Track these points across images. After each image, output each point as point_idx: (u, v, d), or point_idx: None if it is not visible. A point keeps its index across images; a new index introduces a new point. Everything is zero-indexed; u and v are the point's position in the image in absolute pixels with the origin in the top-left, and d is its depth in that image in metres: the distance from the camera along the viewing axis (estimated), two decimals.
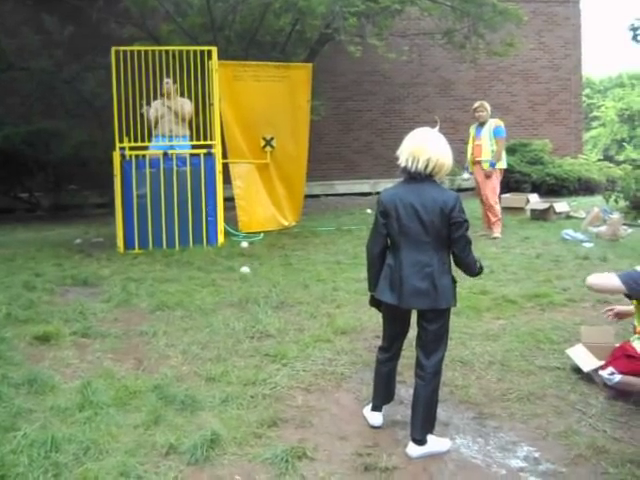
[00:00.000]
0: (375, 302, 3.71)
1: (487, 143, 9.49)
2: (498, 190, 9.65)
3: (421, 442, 3.46)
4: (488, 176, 9.45)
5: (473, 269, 3.63)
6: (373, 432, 3.71)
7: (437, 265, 3.44)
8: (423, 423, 3.49)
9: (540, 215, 10.89)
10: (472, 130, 9.78)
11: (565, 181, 14.60)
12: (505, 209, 11.52)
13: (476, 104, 9.75)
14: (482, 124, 9.56)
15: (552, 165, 14.91)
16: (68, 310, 5.93)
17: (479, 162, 9.53)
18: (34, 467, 3.26)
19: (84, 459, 3.38)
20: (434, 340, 3.53)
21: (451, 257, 3.57)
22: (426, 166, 3.43)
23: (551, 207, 10.93)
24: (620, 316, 4.51)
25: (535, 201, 11.54)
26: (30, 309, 5.98)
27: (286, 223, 10.75)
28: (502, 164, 9.58)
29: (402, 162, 3.50)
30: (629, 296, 4.10)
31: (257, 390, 4.26)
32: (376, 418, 3.82)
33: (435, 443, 3.51)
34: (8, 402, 4.03)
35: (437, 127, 3.63)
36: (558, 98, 17.27)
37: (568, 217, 11.05)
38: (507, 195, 12.16)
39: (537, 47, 16.80)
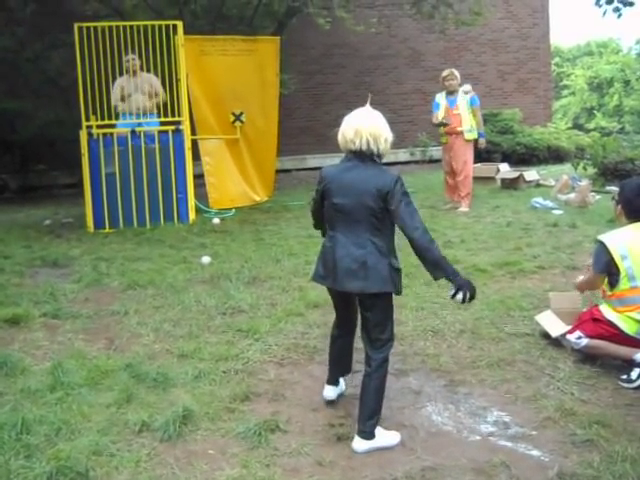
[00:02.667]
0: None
1: (465, 112, 9.29)
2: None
3: (368, 435, 3.29)
4: (461, 142, 9.29)
5: (436, 262, 3.31)
6: (345, 403, 3.73)
7: (371, 247, 3.29)
8: (370, 413, 3.32)
9: (510, 184, 10.97)
10: (441, 99, 9.44)
11: (535, 150, 14.69)
12: (476, 179, 11.51)
13: (445, 72, 9.44)
14: (452, 92, 9.34)
15: (522, 134, 14.99)
16: (38, 292, 5.87)
17: (460, 132, 9.29)
18: (5, 449, 3.25)
19: (56, 440, 3.37)
20: (375, 328, 3.38)
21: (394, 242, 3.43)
22: (367, 144, 3.31)
23: (521, 176, 11.01)
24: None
25: (505, 170, 11.62)
26: None
27: (258, 198, 10.71)
28: (474, 134, 9.43)
29: (341, 142, 3.40)
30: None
31: (229, 365, 4.27)
32: (329, 391, 3.77)
33: (383, 437, 3.34)
34: None
35: (368, 103, 3.54)
36: (527, 67, 17.31)
37: (538, 185, 11.14)
38: (477, 165, 12.17)
39: (505, 16, 16.81)
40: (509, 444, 3.31)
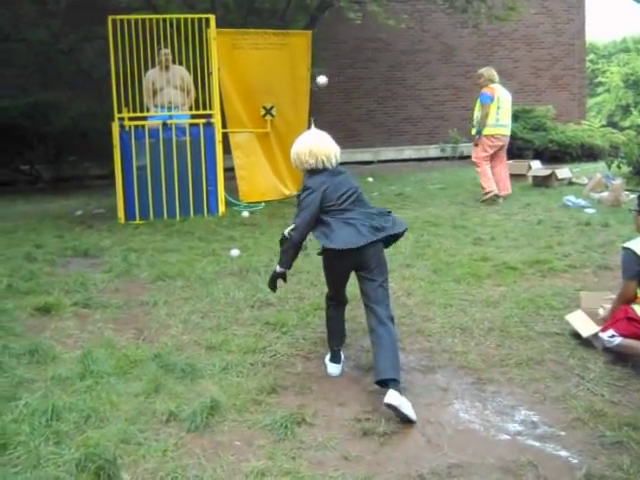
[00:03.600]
0: (283, 275, 4.18)
1: (476, 110, 9.64)
2: (484, 155, 9.58)
3: (398, 383, 3.56)
4: (475, 144, 9.60)
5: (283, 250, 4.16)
6: (372, 398, 3.72)
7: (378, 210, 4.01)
8: (398, 364, 3.66)
9: (542, 182, 10.84)
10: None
11: (568, 147, 14.50)
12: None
13: (479, 71, 9.76)
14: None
15: (555, 131, 14.81)
16: (69, 281, 5.94)
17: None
18: (35, 435, 3.30)
19: (85, 427, 3.42)
20: (384, 282, 3.86)
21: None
22: (336, 159, 4.02)
23: (553, 173, 10.86)
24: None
25: (537, 167, 11.48)
26: (31, 280, 5.99)
27: (287, 192, 10.70)
28: (487, 130, 9.45)
29: (314, 164, 3.98)
30: None
31: (257, 358, 4.29)
32: (334, 369, 4.13)
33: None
34: (10, 372, 4.06)
35: (313, 126, 4.31)
36: (561, 64, 17.09)
37: (570, 183, 10.99)
38: (509, 162, 12.05)
39: (540, 11, 16.58)
40: (537, 444, 3.28)
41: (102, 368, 4.10)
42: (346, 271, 4.00)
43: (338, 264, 3.93)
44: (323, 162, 3.96)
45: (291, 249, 4.01)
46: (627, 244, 4.10)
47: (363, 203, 3.96)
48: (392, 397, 3.43)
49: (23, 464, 3.08)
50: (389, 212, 4.02)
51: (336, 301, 4.18)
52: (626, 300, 4.19)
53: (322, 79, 6.03)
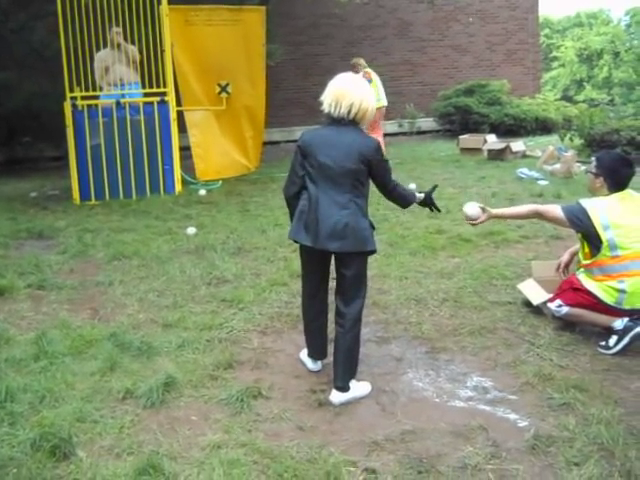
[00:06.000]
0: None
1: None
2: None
3: (343, 389, 3.44)
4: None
5: (406, 198, 3.76)
6: (328, 369, 3.76)
7: (354, 208, 3.39)
8: (344, 370, 3.46)
9: (497, 155, 10.98)
10: None
11: (523, 121, 14.68)
12: (463, 150, 11.66)
13: (353, 60, 11.07)
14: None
15: (510, 105, 14.97)
16: (23, 263, 5.87)
17: None
18: None
19: (40, 407, 3.40)
20: (352, 286, 3.48)
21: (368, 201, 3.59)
22: (349, 111, 3.40)
23: (507, 147, 11.02)
24: (568, 264, 4.62)
25: (492, 141, 11.61)
26: None
27: (244, 170, 10.69)
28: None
29: (325, 107, 3.45)
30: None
31: (213, 334, 4.31)
32: (313, 364, 3.85)
33: (357, 388, 3.50)
34: None
35: (361, 72, 3.72)
36: (515, 38, 17.23)
37: (524, 156, 11.17)
38: (465, 136, 12.22)
39: None
40: (488, 408, 3.36)
41: (57, 349, 4.07)
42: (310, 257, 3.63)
43: (302, 249, 3.65)
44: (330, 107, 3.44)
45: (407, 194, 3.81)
46: (582, 201, 4.15)
47: (338, 185, 3.41)
48: (334, 396, 3.45)
49: None
50: (359, 208, 3.44)
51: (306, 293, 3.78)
52: (545, 217, 4.31)
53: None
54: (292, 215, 3.61)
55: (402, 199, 3.75)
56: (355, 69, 10.51)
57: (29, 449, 3.02)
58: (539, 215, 4.31)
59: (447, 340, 4.18)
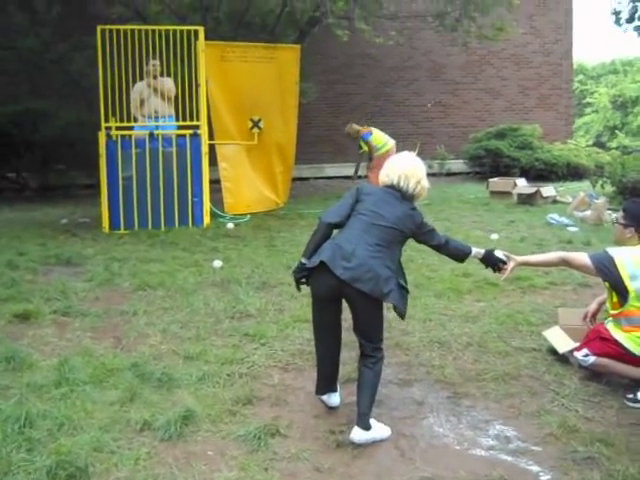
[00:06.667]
0: (299, 274, 3.62)
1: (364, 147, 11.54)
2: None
3: (366, 422, 3.39)
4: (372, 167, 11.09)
5: (460, 252, 3.93)
6: (347, 410, 3.72)
7: (382, 260, 3.47)
8: (369, 406, 3.44)
9: (527, 199, 10.92)
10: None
11: (554, 166, 14.62)
12: (493, 193, 11.63)
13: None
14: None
15: (541, 150, 14.94)
16: (50, 289, 5.93)
17: None
18: (8, 442, 3.28)
19: (58, 435, 3.40)
20: (370, 330, 3.55)
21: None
22: (415, 188, 3.70)
23: (538, 191, 10.96)
24: (596, 313, 4.55)
25: (522, 185, 11.57)
26: (12, 288, 5.97)
27: (273, 205, 10.75)
28: (379, 152, 11.11)
29: (394, 180, 3.70)
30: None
31: (234, 369, 4.28)
32: (333, 399, 3.80)
33: (377, 429, 3.45)
34: None
35: (417, 150, 3.90)
36: (549, 83, 17.27)
37: (555, 202, 11.09)
38: (495, 179, 12.20)
39: (528, 31, 16.76)
40: (509, 458, 3.29)
41: (78, 376, 4.08)
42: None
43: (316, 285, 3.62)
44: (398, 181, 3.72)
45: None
46: (610, 250, 4.08)
47: (383, 236, 3.53)
48: (355, 434, 3.39)
49: None
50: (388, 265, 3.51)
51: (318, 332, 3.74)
52: (571, 264, 4.20)
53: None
54: (315, 242, 3.61)
55: (457, 252, 3.93)
56: (354, 136, 11.55)
57: (45, 477, 3.01)
58: (566, 263, 4.24)
59: (470, 385, 4.11)
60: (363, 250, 3.46)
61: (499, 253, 4.10)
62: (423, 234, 3.76)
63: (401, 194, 3.69)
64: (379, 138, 11.32)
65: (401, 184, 3.69)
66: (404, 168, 3.74)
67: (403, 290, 3.59)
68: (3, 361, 4.30)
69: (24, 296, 5.73)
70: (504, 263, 4.09)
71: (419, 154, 3.95)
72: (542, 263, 4.66)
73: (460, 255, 3.95)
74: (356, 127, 11.63)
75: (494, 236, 7.91)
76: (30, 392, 3.88)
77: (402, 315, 3.61)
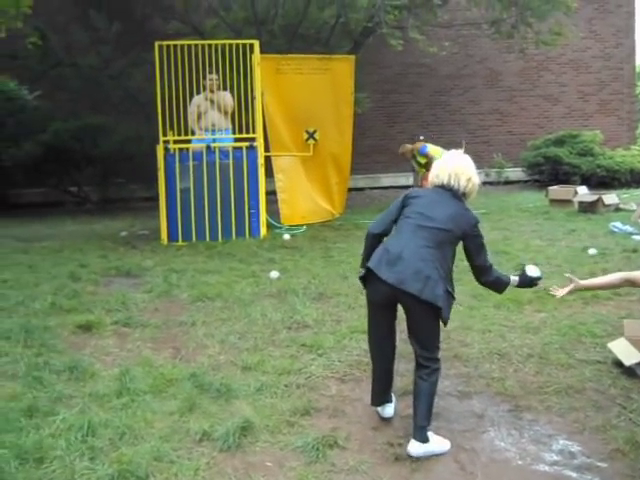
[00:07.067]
0: (361, 284, 3.68)
1: (421, 160, 11.51)
2: None
3: (423, 435, 3.36)
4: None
5: (501, 282, 3.76)
6: (405, 423, 3.67)
7: (432, 265, 3.40)
8: (426, 418, 3.40)
9: (588, 207, 10.65)
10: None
11: (616, 173, 14.24)
12: (552, 201, 11.38)
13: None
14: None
15: (603, 157, 14.56)
16: (111, 300, 6.04)
17: None
18: (71, 450, 3.35)
19: (119, 444, 3.45)
20: (423, 334, 3.48)
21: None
22: (466, 185, 3.63)
23: (600, 199, 10.67)
24: None
25: (583, 193, 11.29)
26: (74, 299, 6.11)
27: (329, 216, 10.76)
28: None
29: (444, 180, 3.64)
30: None
31: (292, 379, 4.28)
32: (387, 410, 3.78)
33: (436, 443, 3.41)
34: (49, 388, 4.14)
35: (463, 148, 3.84)
36: (610, 88, 16.84)
37: (617, 210, 10.78)
38: (555, 187, 11.94)
39: (588, 36, 16.39)
40: (574, 475, 3.19)
41: (139, 386, 4.14)
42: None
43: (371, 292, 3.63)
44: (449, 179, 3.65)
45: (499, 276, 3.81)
46: None
47: (431, 238, 3.47)
48: (412, 447, 3.37)
49: (58, 478, 3.13)
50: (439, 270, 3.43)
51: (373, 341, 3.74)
52: None
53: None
54: (366, 251, 3.66)
55: (498, 281, 3.76)
56: (410, 154, 11.65)
57: None
58: (631, 283, 4.06)
59: (532, 398, 4.01)
60: (410, 252, 3.42)
61: (532, 271, 3.85)
62: (474, 241, 3.59)
63: (452, 193, 3.62)
64: (435, 149, 11.27)
65: (452, 182, 3.62)
66: (453, 166, 3.66)
67: (450, 296, 3.50)
68: (66, 371, 4.40)
69: (86, 307, 5.86)
70: (539, 279, 3.90)
71: (466, 152, 3.82)
72: (604, 286, 4.42)
73: (501, 285, 3.78)
74: (409, 146, 11.71)
75: (592, 251, 7.58)
76: (92, 401, 3.97)
77: (445, 322, 3.48)
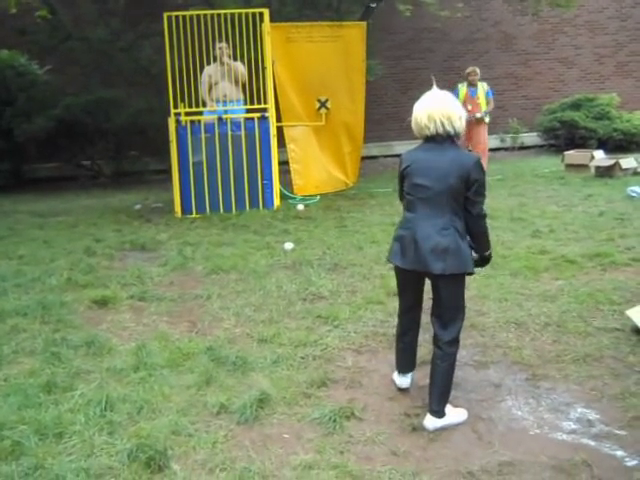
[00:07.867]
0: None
1: (483, 102, 10.89)
2: None
3: (438, 414, 3.35)
4: (481, 124, 10.70)
5: (484, 239, 3.46)
6: (422, 393, 3.66)
7: (452, 230, 3.30)
8: (440, 394, 3.37)
9: (605, 172, 10.52)
10: (464, 89, 10.90)
11: (634, 136, 14.01)
12: (568, 166, 11.25)
13: (470, 69, 11.04)
14: (474, 86, 10.87)
15: (620, 120, 14.32)
16: (126, 274, 6.07)
17: (475, 117, 10.60)
18: (90, 425, 3.39)
19: (137, 418, 3.48)
20: (449, 309, 3.38)
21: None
22: (442, 126, 3.32)
23: (617, 163, 10.53)
24: None
25: (600, 157, 11.14)
26: (90, 274, 6.14)
27: (342, 185, 10.70)
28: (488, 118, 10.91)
29: (416, 131, 3.43)
30: None
31: (308, 351, 4.29)
32: (403, 381, 3.78)
33: (452, 414, 3.39)
34: (67, 363, 4.17)
35: (434, 85, 3.53)
36: (627, 49, 16.50)
37: (635, 174, 10.64)
38: (571, 152, 11.79)
39: None
40: (592, 443, 3.18)
41: (155, 360, 4.17)
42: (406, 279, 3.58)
43: (397, 270, 3.60)
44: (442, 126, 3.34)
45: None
46: None
47: (436, 206, 3.33)
48: (428, 421, 3.37)
49: (77, 453, 3.16)
50: (456, 232, 3.32)
51: (401, 310, 3.74)
52: None
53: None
54: None
55: (485, 237, 3.47)
56: (471, 77, 10.90)
57: (126, 459, 3.08)
58: None
59: (549, 367, 3.99)
60: (422, 232, 3.33)
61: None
62: (475, 187, 3.28)
63: (441, 140, 3.34)
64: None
65: (431, 129, 3.33)
66: (425, 109, 3.35)
67: (471, 249, 3.40)
68: (84, 346, 4.44)
69: (102, 282, 5.89)
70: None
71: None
72: None
73: (484, 242, 3.47)
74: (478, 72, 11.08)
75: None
76: (110, 376, 3.99)
77: (472, 272, 3.41)
